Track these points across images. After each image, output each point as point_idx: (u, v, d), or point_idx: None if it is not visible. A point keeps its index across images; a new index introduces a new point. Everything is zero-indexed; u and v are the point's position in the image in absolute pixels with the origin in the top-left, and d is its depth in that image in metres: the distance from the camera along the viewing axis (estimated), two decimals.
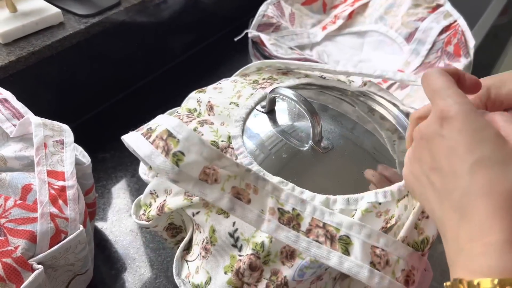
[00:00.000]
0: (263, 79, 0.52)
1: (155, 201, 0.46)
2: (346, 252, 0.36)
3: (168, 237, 0.48)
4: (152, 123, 0.39)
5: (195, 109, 0.48)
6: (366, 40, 0.94)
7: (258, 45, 0.81)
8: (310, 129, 0.43)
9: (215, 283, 0.38)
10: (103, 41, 0.74)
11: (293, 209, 0.37)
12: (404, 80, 0.51)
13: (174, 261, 0.43)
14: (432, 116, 0.32)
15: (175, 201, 0.41)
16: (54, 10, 0.68)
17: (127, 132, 0.40)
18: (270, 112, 0.48)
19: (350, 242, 0.36)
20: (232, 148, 0.42)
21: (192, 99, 0.50)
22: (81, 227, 0.45)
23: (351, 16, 0.97)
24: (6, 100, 0.53)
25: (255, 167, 0.40)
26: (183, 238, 0.48)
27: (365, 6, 0.97)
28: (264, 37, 0.79)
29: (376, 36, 0.93)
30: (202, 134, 0.42)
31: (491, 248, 0.26)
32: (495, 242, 0.25)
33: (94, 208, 0.57)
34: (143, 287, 0.54)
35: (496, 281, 0.24)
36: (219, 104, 0.47)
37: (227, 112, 0.46)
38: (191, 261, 0.42)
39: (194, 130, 0.43)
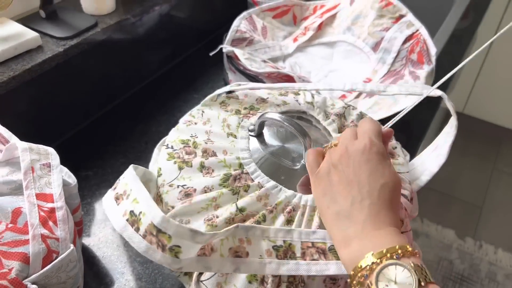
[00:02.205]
0: (245, 108, 0.55)
1: None
2: (338, 258, 0.40)
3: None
4: (131, 195, 0.39)
5: (189, 141, 0.50)
6: (335, 50, 0.99)
7: (233, 59, 0.85)
8: (297, 149, 0.48)
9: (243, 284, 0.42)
10: (81, 62, 0.76)
11: (284, 241, 0.41)
12: (373, 91, 0.55)
13: (193, 284, 0.45)
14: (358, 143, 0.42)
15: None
16: (32, 34, 0.70)
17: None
18: (259, 135, 0.51)
19: (337, 250, 0.41)
20: (246, 173, 0.45)
21: (182, 132, 0.51)
22: (72, 246, 0.47)
23: (320, 27, 1.01)
24: None
25: (268, 183, 0.45)
26: None
27: (333, 17, 1.02)
28: (238, 52, 0.82)
29: (345, 46, 0.97)
30: (213, 170, 0.45)
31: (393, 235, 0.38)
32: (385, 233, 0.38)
33: (81, 226, 0.59)
34: None
35: (397, 247, 0.36)
36: (217, 133, 0.50)
37: (227, 142, 0.49)
38: (205, 280, 0.44)
39: (201, 165, 0.46)
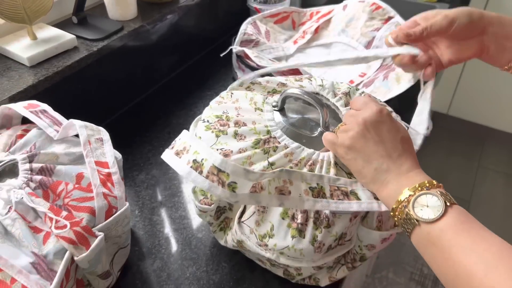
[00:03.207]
0: (268, 92, 0.65)
1: None
2: (359, 199, 0.50)
3: (214, 221, 0.59)
4: (190, 150, 0.48)
5: (222, 115, 0.58)
6: (332, 50, 1.10)
7: (243, 58, 0.94)
8: (313, 120, 0.57)
9: (277, 227, 0.51)
10: (110, 61, 0.85)
11: (317, 184, 0.50)
12: (378, 55, 0.65)
13: (235, 224, 0.54)
14: (371, 110, 0.51)
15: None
16: (69, 36, 0.79)
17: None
18: (281, 110, 0.60)
19: (356, 192, 0.51)
20: (274, 137, 0.54)
21: (215, 109, 0.60)
22: (127, 204, 0.55)
23: (317, 31, 1.12)
24: (45, 110, 0.63)
25: (292, 144, 0.54)
26: (226, 218, 0.59)
27: (328, 21, 1.13)
28: (248, 51, 0.92)
29: (340, 46, 1.08)
30: (245, 136, 0.54)
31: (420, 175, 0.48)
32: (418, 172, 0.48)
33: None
34: (171, 258, 0.64)
35: (427, 182, 0.46)
36: (245, 108, 0.59)
37: (255, 114, 0.58)
38: (246, 220, 0.53)
39: (236, 133, 0.55)
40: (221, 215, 0.60)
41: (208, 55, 1.15)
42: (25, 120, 0.65)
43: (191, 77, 1.06)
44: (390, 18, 1.04)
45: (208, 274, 0.63)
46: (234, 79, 1.01)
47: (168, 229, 0.69)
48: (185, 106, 0.95)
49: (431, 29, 0.61)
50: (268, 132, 0.56)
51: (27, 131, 0.62)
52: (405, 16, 1.04)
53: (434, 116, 2.32)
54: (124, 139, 0.85)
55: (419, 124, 0.61)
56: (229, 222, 0.60)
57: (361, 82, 0.97)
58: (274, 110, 0.60)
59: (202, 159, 0.47)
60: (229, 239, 0.58)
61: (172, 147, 0.51)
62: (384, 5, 1.05)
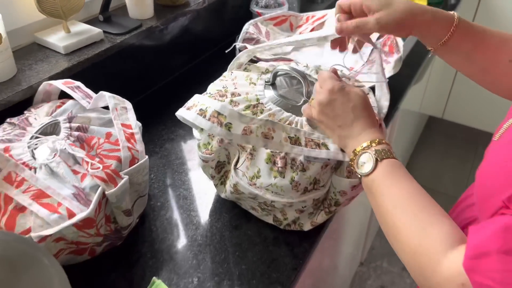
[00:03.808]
0: (262, 72, 0.78)
1: (212, 140, 0.69)
2: (328, 149, 0.62)
3: (215, 174, 0.72)
4: (199, 104, 0.62)
5: (223, 88, 0.72)
6: (325, 49, 1.23)
7: None
8: (298, 92, 0.70)
9: (262, 169, 0.63)
10: (129, 53, 0.99)
11: (295, 135, 0.63)
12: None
13: (232, 170, 0.67)
14: (324, 92, 0.61)
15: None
16: (97, 30, 0.93)
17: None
18: (273, 84, 0.73)
19: (327, 144, 0.63)
20: (262, 103, 0.67)
21: (217, 85, 0.74)
22: (146, 157, 0.68)
23: (312, 31, 1.26)
24: (79, 86, 0.77)
25: (275, 108, 0.67)
26: (225, 172, 0.72)
27: (322, 24, 1.27)
28: (250, 47, 1.05)
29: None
30: (239, 103, 0.67)
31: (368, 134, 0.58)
32: (369, 131, 0.59)
33: None
34: (180, 210, 0.76)
35: (369, 142, 0.57)
36: (242, 84, 0.72)
37: (249, 88, 0.71)
38: (239, 166, 0.66)
39: (231, 101, 0.68)
40: (222, 170, 0.72)
41: (215, 54, 1.29)
42: (60, 98, 0.79)
43: (199, 72, 1.20)
44: None
45: (212, 221, 0.75)
46: None
47: (178, 189, 0.81)
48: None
49: (362, 29, 0.64)
50: (258, 99, 0.69)
51: (63, 103, 0.76)
52: None
53: (430, 120, 2.44)
54: (141, 120, 0.98)
55: (382, 96, 0.73)
56: (228, 175, 0.72)
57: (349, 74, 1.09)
58: (267, 84, 0.73)
59: (207, 107, 0.60)
60: (228, 188, 0.71)
61: (185, 106, 0.64)
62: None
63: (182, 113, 0.63)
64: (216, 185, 0.75)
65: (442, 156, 2.28)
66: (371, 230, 1.65)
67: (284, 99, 0.71)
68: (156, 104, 1.05)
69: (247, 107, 0.67)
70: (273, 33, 1.24)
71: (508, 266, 0.38)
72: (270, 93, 0.72)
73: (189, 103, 0.65)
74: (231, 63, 0.82)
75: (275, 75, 0.73)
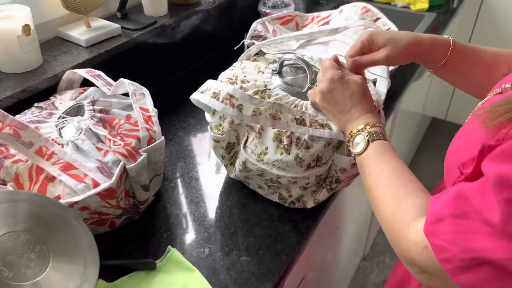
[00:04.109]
0: (269, 62, 0.84)
1: (223, 121, 0.75)
2: (331, 129, 0.68)
3: (226, 154, 0.78)
4: (212, 88, 0.68)
5: (233, 76, 0.78)
6: (329, 47, 1.29)
7: None
8: (303, 80, 0.76)
9: (269, 147, 0.69)
10: (144, 47, 1.06)
11: (300, 117, 0.69)
12: (347, 26, 0.84)
13: (241, 149, 0.73)
14: (324, 81, 0.67)
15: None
16: (115, 25, 1.00)
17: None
18: (279, 72, 0.79)
19: (330, 125, 0.69)
20: (269, 89, 0.73)
21: (227, 74, 0.80)
22: (163, 137, 0.74)
23: None
24: (100, 75, 0.83)
25: (282, 93, 0.73)
26: (235, 152, 0.78)
27: (326, 24, 1.33)
28: (258, 43, 1.12)
29: (336, 43, 1.27)
30: (248, 89, 0.73)
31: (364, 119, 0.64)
32: (365, 116, 0.64)
33: None
34: (193, 189, 0.82)
35: (364, 125, 0.62)
36: (250, 72, 0.78)
37: (258, 75, 0.77)
38: (248, 145, 0.72)
39: (241, 87, 0.74)
40: (231, 151, 0.78)
41: (224, 52, 1.35)
42: (82, 86, 0.85)
43: (209, 68, 1.26)
44: (378, 19, 1.23)
45: (222, 199, 0.81)
46: None
47: (190, 172, 0.87)
48: None
49: (372, 65, 0.71)
50: (266, 86, 0.75)
51: (85, 90, 0.82)
52: (397, 23, 1.23)
53: (433, 122, 2.49)
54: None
55: (381, 83, 0.79)
56: (237, 155, 0.78)
57: None
58: (274, 73, 0.79)
59: (220, 90, 0.66)
60: (237, 166, 0.76)
61: (199, 90, 0.70)
62: (373, 8, 1.25)
63: (196, 96, 0.69)
64: (226, 166, 0.81)
65: (445, 157, 2.32)
66: (373, 226, 1.70)
67: (290, 86, 0.77)
68: (169, 97, 1.11)
69: (256, 93, 0.73)
70: (279, 31, 1.31)
71: (459, 228, 0.43)
72: (277, 80, 0.78)
73: (203, 87, 0.71)
74: (242, 55, 0.88)
75: (281, 64, 0.79)
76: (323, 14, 1.35)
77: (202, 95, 0.68)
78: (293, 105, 0.72)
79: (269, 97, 0.73)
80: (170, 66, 1.18)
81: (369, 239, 1.72)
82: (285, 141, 0.68)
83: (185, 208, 0.79)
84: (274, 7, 1.39)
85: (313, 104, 0.72)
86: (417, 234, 0.47)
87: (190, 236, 0.74)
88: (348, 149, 0.71)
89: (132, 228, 0.75)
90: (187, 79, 1.20)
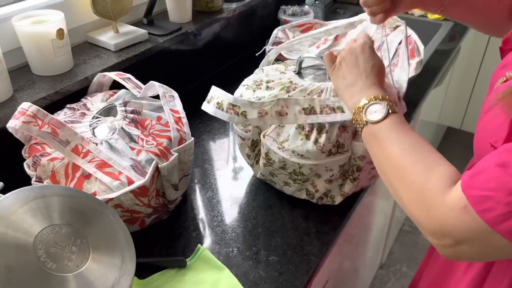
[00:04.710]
0: (288, 66, 0.86)
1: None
2: (344, 112, 0.69)
3: (251, 153, 0.80)
4: (215, 97, 0.69)
5: (258, 79, 0.80)
6: (340, 47, 1.30)
7: (276, 57, 1.16)
8: (323, 77, 0.78)
9: (292, 134, 0.71)
10: (169, 53, 1.08)
11: (309, 105, 0.70)
12: (361, 19, 0.85)
13: (261, 139, 0.74)
14: (357, 44, 0.69)
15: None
16: (142, 31, 1.02)
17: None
18: (299, 73, 0.81)
19: (342, 107, 0.70)
20: (295, 83, 0.75)
21: (252, 78, 0.82)
22: (192, 138, 0.76)
23: (336, 38, 1.33)
24: (129, 78, 0.85)
25: (306, 83, 0.75)
26: (259, 150, 0.79)
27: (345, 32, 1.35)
28: (275, 47, 1.14)
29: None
30: (274, 88, 0.76)
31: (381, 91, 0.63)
32: (380, 89, 0.64)
33: None
34: (220, 190, 0.83)
35: (381, 95, 0.61)
36: (273, 74, 0.80)
37: (281, 75, 0.79)
38: (269, 133, 0.74)
39: (267, 87, 0.76)
40: (255, 148, 0.80)
41: (244, 59, 1.37)
42: (111, 89, 0.87)
43: (230, 74, 1.28)
44: (397, 26, 1.24)
45: (248, 200, 0.82)
46: None
47: (216, 173, 0.89)
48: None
49: None
50: (291, 81, 0.77)
51: (115, 92, 0.84)
52: (415, 32, 1.24)
53: (448, 131, 2.48)
54: None
55: (403, 73, 0.80)
56: (261, 152, 0.79)
57: None
58: (294, 73, 0.81)
59: (222, 100, 0.67)
60: (261, 162, 0.78)
61: (206, 99, 0.71)
62: (393, 16, 1.26)
63: (204, 107, 0.71)
64: (252, 165, 0.82)
65: (460, 167, 2.29)
66: (390, 235, 1.69)
67: (312, 81, 0.78)
68: (192, 101, 1.13)
69: (282, 89, 0.75)
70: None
71: (503, 174, 0.43)
72: (298, 76, 0.80)
73: (208, 96, 0.72)
74: (262, 61, 0.90)
75: (300, 63, 0.81)
76: (342, 22, 1.37)
77: (208, 106, 0.70)
78: (319, 91, 0.73)
79: (294, 90, 0.74)
80: (193, 72, 1.20)
81: (386, 247, 1.71)
82: (307, 127, 0.70)
83: (212, 208, 0.80)
84: (293, 15, 1.41)
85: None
86: (454, 196, 0.47)
87: (218, 236, 0.75)
88: (352, 121, 0.70)
89: (161, 227, 0.77)
90: (210, 84, 1.22)
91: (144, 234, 0.75)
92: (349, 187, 0.77)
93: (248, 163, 0.83)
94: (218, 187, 0.85)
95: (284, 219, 0.78)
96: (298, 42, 0.91)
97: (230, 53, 1.34)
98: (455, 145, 2.43)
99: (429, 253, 0.84)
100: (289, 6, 1.42)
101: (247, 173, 0.89)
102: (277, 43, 1.22)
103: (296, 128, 0.71)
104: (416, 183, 0.52)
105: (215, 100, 0.69)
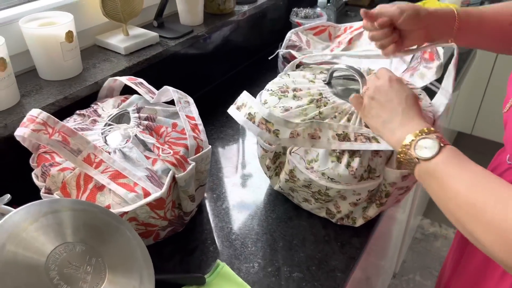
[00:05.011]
0: (316, 73, 0.81)
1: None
2: (378, 142, 0.64)
3: (271, 165, 0.75)
4: (247, 106, 0.64)
5: (284, 85, 0.76)
6: (363, 59, 1.27)
7: (289, 59, 1.12)
8: (353, 91, 0.74)
9: (321, 153, 0.67)
10: (181, 57, 1.04)
11: (343, 132, 0.65)
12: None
13: (287, 155, 0.70)
14: (383, 79, 0.66)
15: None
16: (153, 34, 0.98)
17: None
18: (329, 83, 0.77)
19: (377, 139, 0.65)
20: (325, 97, 0.71)
21: (277, 82, 0.77)
22: (210, 146, 0.72)
23: (350, 42, 1.30)
24: (141, 83, 0.81)
25: (339, 101, 0.71)
26: (280, 162, 0.75)
27: (360, 34, 1.31)
28: (295, 53, 1.10)
29: (368, 53, 1.25)
30: (301, 98, 0.71)
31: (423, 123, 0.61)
32: (423, 121, 0.61)
33: None
34: (236, 201, 0.79)
35: (427, 128, 0.58)
36: (301, 82, 0.76)
37: (309, 84, 0.75)
38: (296, 150, 0.69)
39: (294, 96, 0.71)
40: (277, 160, 0.75)
41: (255, 62, 1.33)
42: (122, 94, 0.83)
43: (242, 78, 1.25)
44: None
45: (267, 212, 0.77)
46: None
47: (231, 183, 0.84)
48: None
49: (385, 13, 0.72)
50: (320, 94, 0.72)
51: (127, 98, 0.80)
52: None
53: (458, 136, 2.44)
54: None
55: (443, 94, 0.75)
56: (282, 166, 0.75)
57: None
58: (324, 83, 0.77)
59: (255, 112, 0.63)
60: (282, 177, 0.73)
61: (235, 104, 0.67)
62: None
63: (233, 113, 0.66)
64: (270, 177, 0.78)
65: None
66: (405, 244, 1.64)
67: (341, 97, 0.74)
68: (204, 106, 1.09)
69: (310, 102, 0.70)
70: (313, 42, 1.28)
71: None
72: (327, 91, 0.75)
73: (239, 101, 0.67)
74: (287, 66, 0.86)
75: (331, 74, 0.77)
76: (356, 24, 1.33)
77: (238, 114, 0.65)
78: (349, 113, 0.69)
79: (325, 105, 0.70)
80: (203, 76, 1.16)
81: (400, 256, 1.66)
82: (338, 150, 0.65)
83: (229, 220, 0.76)
84: (306, 17, 1.37)
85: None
86: None
87: (237, 250, 0.70)
88: (398, 160, 0.67)
89: (176, 241, 0.72)
90: (222, 89, 1.18)
91: (158, 248, 0.71)
92: (374, 211, 0.72)
93: (266, 174, 0.79)
94: (234, 197, 0.81)
95: (305, 232, 0.74)
96: (333, 57, 0.86)
97: (241, 57, 1.30)
98: (466, 150, 2.36)
99: (459, 252, 0.80)
100: (301, 9, 1.38)
101: (264, 183, 0.84)
102: (290, 46, 1.18)
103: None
104: (495, 222, 0.47)
105: (247, 109, 0.64)
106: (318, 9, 1.45)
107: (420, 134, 0.58)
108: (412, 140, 0.58)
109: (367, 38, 1.28)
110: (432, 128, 0.59)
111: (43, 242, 0.47)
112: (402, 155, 0.59)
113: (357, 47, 1.29)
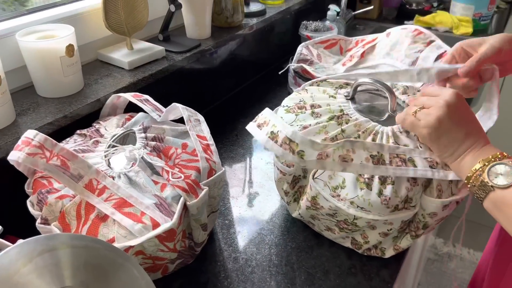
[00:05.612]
0: (336, 87, 0.75)
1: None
2: (415, 166, 0.58)
3: (290, 190, 0.68)
4: (270, 124, 0.58)
5: (301, 101, 0.69)
6: (378, 71, 1.21)
7: (301, 73, 1.07)
8: (379, 107, 0.67)
9: (348, 179, 0.59)
10: (188, 72, 0.99)
11: (378, 152, 0.59)
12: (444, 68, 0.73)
13: (310, 180, 0.63)
14: (451, 93, 0.58)
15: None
16: (159, 48, 0.93)
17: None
18: (352, 98, 0.71)
19: (414, 160, 0.59)
20: (347, 114, 0.65)
21: (293, 99, 0.71)
22: (223, 168, 0.65)
23: (363, 55, 1.24)
24: (147, 100, 0.75)
25: (362, 118, 0.64)
26: (300, 187, 0.68)
27: (373, 47, 1.25)
28: (306, 66, 1.04)
29: (386, 68, 1.19)
30: (321, 115, 0.65)
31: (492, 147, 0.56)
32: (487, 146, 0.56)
33: None
34: (252, 228, 0.72)
35: (499, 153, 0.54)
36: (320, 97, 0.70)
37: (330, 100, 0.69)
38: (319, 175, 0.62)
39: (313, 112, 0.65)
40: (296, 185, 0.68)
41: (264, 77, 1.28)
42: (125, 112, 0.77)
43: (250, 93, 1.19)
44: (431, 41, 1.15)
45: (285, 241, 0.70)
46: (289, 93, 1.13)
47: (244, 207, 0.78)
48: (248, 115, 1.06)
49: (484, 59, 0.64)
50: (342, 110, 0.66)
51: (132, 116, 0.74)
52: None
53: None
54: None
55: (487, 118, 0.68)
56: (302, 191, 0.68)
57: None
58: (346, 98, 0.70)
59: (278, 131, 0.57)
60: (303, 203, 0.66)
61: (255, 121, 0.61)
62: (425, 31, 1.17)
63: (253, 131, 0.60)
64: (288, 203, 0.71)
65: None
66: (421, 265, 1.57)
67: (365, 114, 0.68)
68: (212, 124, 1.03)
69: (331, 118, 0.64)
70: (324, 56, 1.23)
71: None
72: (349, 107, 0.69)
73: (260, 118, 0.61)
74: (305, 84, 0.79)
75: (355, 88, 0.71)
76: (369, 37, 1.28)
77: (259, 133, 0.59)
78: (373, 132, 0.63)
79: (347, 123, 0.63)
80: (211, 91, 1.10)
81: (416, 278, 1.58)
82: (367, 176, 0.58)
83: (244, 250, 0.69)
84: (316, 30, 1.32)
85: (397, 129, 0.63)
86: None
87: (254, 285, 0.63)
88: (438, 188, 0.60)
89: (186, 274, 0.65)
90: (230, 104, 1.12)
91: (167, 283, 0.64)
92: (407, 243, 0.65)
93: (283, 200, 0.72)
94: (249, 224, 0.74)
95: (328, 264, 0.67)
96: (355, 78, 0.79)
97: (250, 71, 1.25)
98: None
99: (497, 273, 0.74)
100: (311, 22, 1.33)
101: (280, 207, 0.78)
102: (301, 60, 1.13)
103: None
104: None
105: (269, 128, 0.58)
106: (328, 22, 1.41)
107: (493, 159, 0.54)
108: (485, 165, 0.54)
109: (380, 51, 1.24)
110: (505, 154, 0.54)
111: (38, 287, 0.40)
112: (471, 180, 0.54)
113: (370, 61, 1.23)
